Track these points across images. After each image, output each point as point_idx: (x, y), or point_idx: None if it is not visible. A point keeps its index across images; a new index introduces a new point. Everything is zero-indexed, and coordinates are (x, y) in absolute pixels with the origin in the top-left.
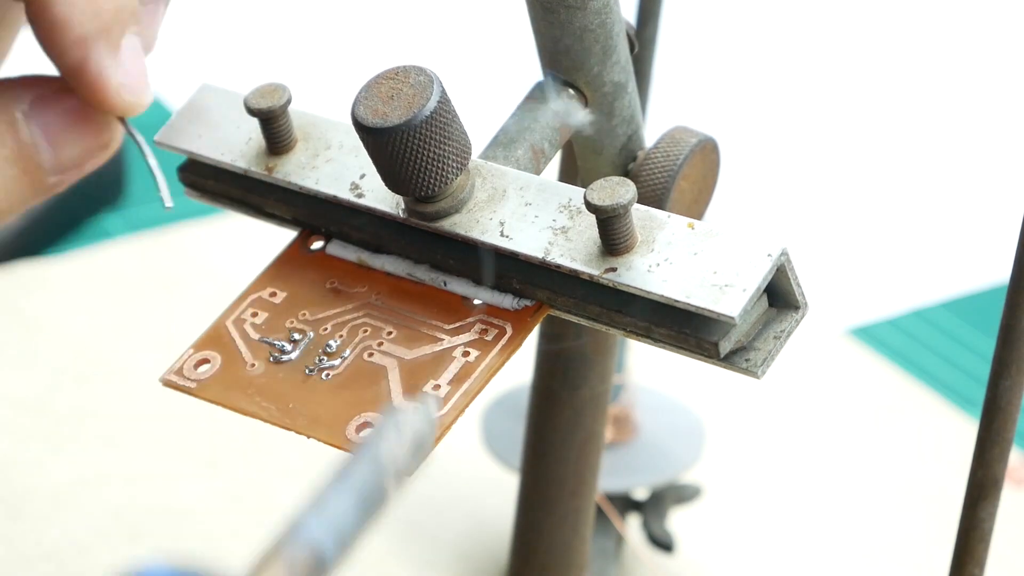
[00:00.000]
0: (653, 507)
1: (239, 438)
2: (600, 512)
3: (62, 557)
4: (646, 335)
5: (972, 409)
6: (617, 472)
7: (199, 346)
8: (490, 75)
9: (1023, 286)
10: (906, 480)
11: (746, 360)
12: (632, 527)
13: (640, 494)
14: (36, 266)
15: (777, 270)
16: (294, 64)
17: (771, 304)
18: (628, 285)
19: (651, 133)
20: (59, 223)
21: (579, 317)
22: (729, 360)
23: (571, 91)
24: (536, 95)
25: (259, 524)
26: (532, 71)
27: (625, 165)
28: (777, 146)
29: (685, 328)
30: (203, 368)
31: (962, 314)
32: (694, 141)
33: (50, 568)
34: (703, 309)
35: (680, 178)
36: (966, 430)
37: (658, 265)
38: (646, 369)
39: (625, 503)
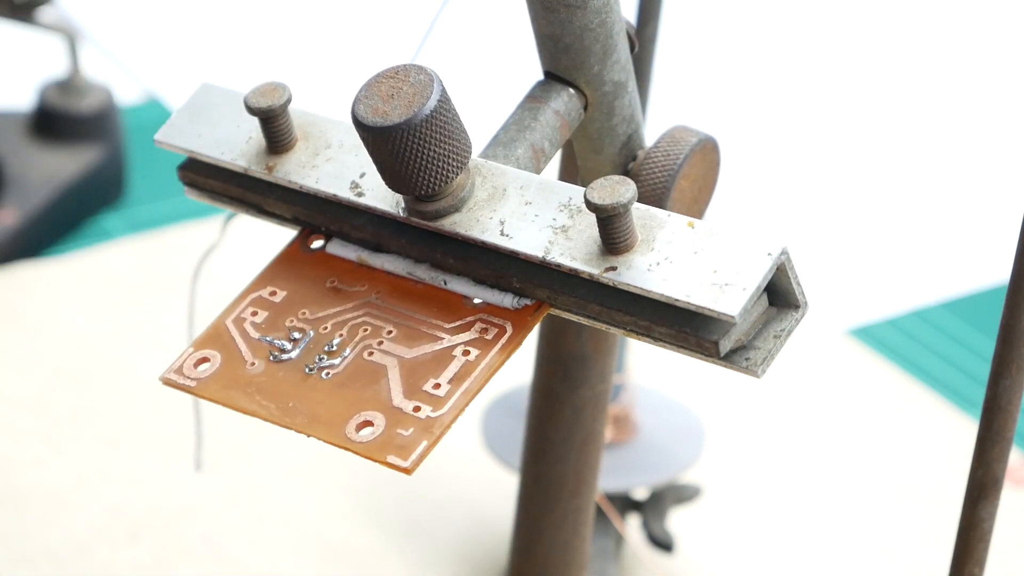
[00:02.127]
0: (653, 507)
1: (239, 438)
2: (600, 512)
3: (62, 557)
4: (646, 334)
5: (972, 409)
6: (617, 472)
7: (199, 345)
8: (490, 75)
9: (1023, 286)
10: (906, 480)
11: (746, 359)
12: (632, 527)
13: (640, 494)
14: (36, 266)
15: (777, 269)
16: (294, 64)
17: (771, 303)
18: (628, 284)
19: (651, 132)
20: (59, 223)
21: (579, 316)
22: (729, 359)
23: (571, 90)
24: (536, 94)
25: (259, 524)
26: (532, 70)
27: (625, 164)
28: (777, 146)
29: (685, 327)
30: (203, 367)
31: (962, 314)
32: (694, 140)
33: (50, 568)
34: (703, 308)
35: (680, 177)
36: (966, 430)
37: (658, 264)
38: (646, 369)
39: (625, 503)
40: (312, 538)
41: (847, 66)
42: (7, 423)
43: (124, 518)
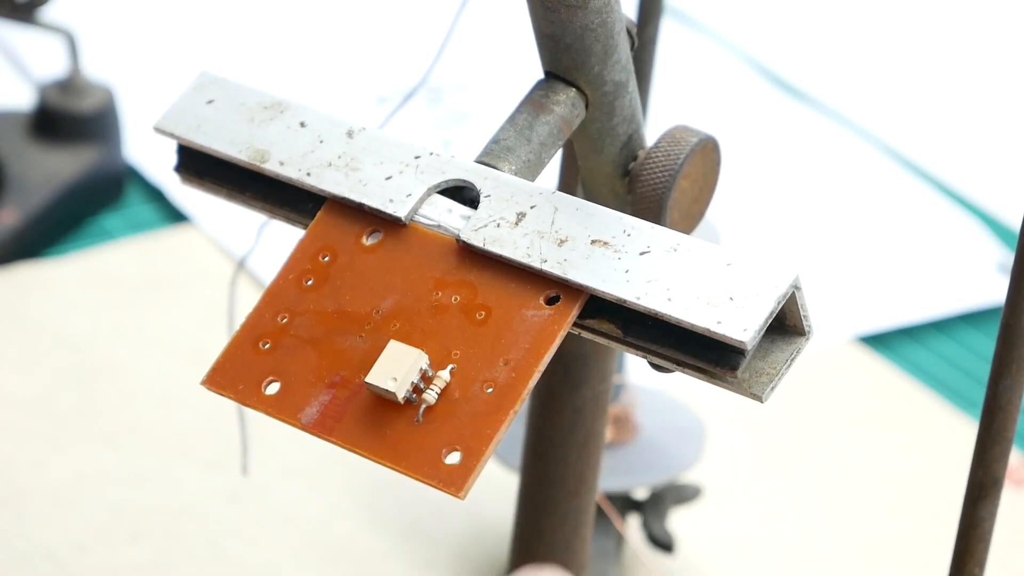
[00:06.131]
0: (653, 507)
1: (239, 438)
2: (600, 512)
3: (62, 557)
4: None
5: (972, 409)
6: (617, 472)
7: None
8: (490, 74)
9: (1023, 286)
10: (906, 480)
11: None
12: (632, 527)
13: (640, 494)
14: (36, 266)
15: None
16: (293, 62)
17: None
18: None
19: (651, 132)
20: (59, 223)
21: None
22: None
23: (572, 90)
24: (537, 94)
25: (259, 524)
26: (533, 70)
27: (626, 164)
28: (778, 147)
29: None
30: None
31: (964, 317)
32: (695, 140)
33: (50, 568)
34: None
35: (681, 177)
36: (966, 430)
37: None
38: (646, 369)
39: (625, 503)
40: (312, 538)
41: (847, 66)
42: (7, 423)
43: (124, 518)
